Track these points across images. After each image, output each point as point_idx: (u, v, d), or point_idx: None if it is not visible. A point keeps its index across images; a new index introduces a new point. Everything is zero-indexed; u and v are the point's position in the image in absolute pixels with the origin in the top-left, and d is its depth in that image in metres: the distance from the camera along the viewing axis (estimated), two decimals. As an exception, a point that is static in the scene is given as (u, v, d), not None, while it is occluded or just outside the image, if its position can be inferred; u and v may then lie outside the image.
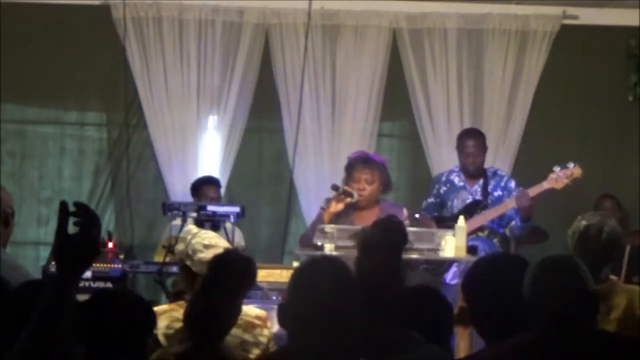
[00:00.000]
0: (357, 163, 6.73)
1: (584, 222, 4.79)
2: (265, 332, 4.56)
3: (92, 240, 2.57)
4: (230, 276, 4.09)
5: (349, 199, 6.62)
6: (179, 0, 8.19)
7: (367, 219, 6.65)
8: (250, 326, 4.54)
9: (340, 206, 6.62)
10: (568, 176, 6.92)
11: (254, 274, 4.24)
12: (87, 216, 2.57)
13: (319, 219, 6.60)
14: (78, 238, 2.55)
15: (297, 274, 3.40)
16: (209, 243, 4.64)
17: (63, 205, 2.57)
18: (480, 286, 3.49)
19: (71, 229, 2.57)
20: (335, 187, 6.70)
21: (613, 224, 4.85)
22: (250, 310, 4.63)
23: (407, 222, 6.56)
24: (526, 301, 3.28)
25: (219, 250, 4.62)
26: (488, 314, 3.39)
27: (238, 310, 4.10)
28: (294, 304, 3.28)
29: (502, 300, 3.35)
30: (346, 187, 6.66)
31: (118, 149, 8.34)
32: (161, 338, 4.48)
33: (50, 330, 2.52)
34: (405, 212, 6.74)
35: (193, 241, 4.65)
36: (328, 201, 6.71)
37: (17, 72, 8.16)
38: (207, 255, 4.57)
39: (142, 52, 8.19)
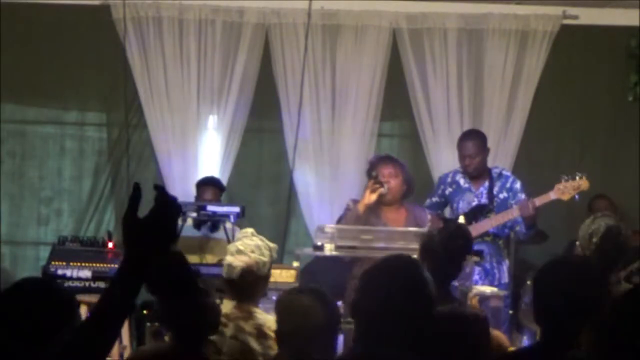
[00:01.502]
0: (379, 161, 6.81)
1: (602, 224, 4.78)
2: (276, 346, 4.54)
3: (166, 223, 2.44)
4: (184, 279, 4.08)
5: (381, 189, 6.63)
6: (179, 0, 8.19)
7: (396, 219, 6.68)
8: (262, 336, 4.54)
9: (373, 197, 6.62)
10: (575, 188, 6.93)
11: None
12: (163, 199, 2.44)
13: (354, 212, 6.59)
14: (150, 221, 2.43)
15: (376, 271, 3.31)
16: (242, 249, 4.69)
17: (136, 187, 2.46)
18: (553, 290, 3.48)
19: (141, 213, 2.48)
20: (370, 174, 6.71)
21: (624, 226, 4.88)
22: (271, 322, 4.61)
23: (430, 224, 6.58)
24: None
25: (242, 258, 4.65)
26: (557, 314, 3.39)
27: (213, 311, 4.07)
28: (366, 303, 3.20)
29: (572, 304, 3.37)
30: (379, 176, 6.69)
31: (118, 149, 8.34)
32: None
33: (119, 319, 2.39)
34: (429, 215, 6.77)
35: (236, 242, 4.74)
36: (355, 201, 6.72)
37: (17, 72, 8.17)
38: (234, 260, 4.60)
39: (142, 52, 8.19)
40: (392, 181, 6.70)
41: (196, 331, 3.97)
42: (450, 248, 4.78)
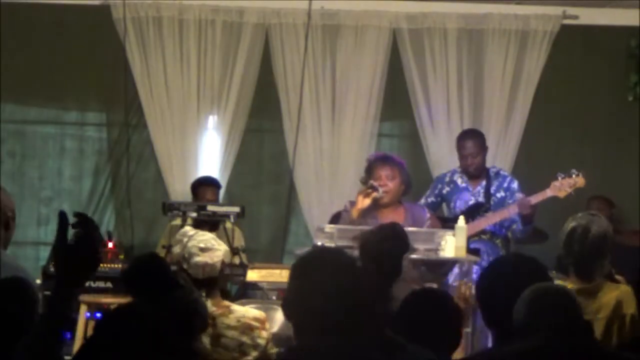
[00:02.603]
0: (377, 161, 6.73)
1: (572, 224, 4.82)
2: (264, 334, 4.55)
3: (93, 250, 2.58)
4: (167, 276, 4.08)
5: (375, 194, 6.58)
6: (179, 0, 8.19)
7: (394, 219, 6.63)
8: (248, 328, 4.53)
9: (367, 201, 6.57)
10: (571, 185, 6.94)
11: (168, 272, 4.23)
12: (87, 226, 2.57)
13: (348, 217, 6.56)
14: (78, 248, 2.57)
15: (302, 264, 3.24)
16: (205, 246, 4.62)
17: (62, 215, 2.58)
18: (496, 289, 3.51)
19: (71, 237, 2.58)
20: (363, 180, 6.67)
21: (602, 223, 4.85)
22: (248, 312, 4.62)
23: (429, 223, 6.55)
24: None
25: (216, 254, 4.61)
26: (504, 316, 3.39)
27: (200, 306, 4.07)
28: (298, 297, 3.15)
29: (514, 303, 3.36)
30: (372, 181, 6.65)
31: (118, 149, 8.34)
32: None
33: (53, 338, 2.55)
34: (428, 213, 6.74)
35: (189, 244, 4.63)
36: (352, 203, 6.68)
37: (17, 72, 8.17)
38: (203, 258, 4.56)
39: (142, 52, 8.19)
40: (389, 184, 6.64)
41: (186, 328, 3.95)
42: (384, 249, 4.82)
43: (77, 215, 2.58)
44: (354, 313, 3.05)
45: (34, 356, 2.54)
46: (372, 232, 5.03)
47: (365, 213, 6.52)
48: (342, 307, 3.05)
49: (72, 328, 2.57)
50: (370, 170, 6.71)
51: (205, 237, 4.71)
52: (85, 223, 2.57)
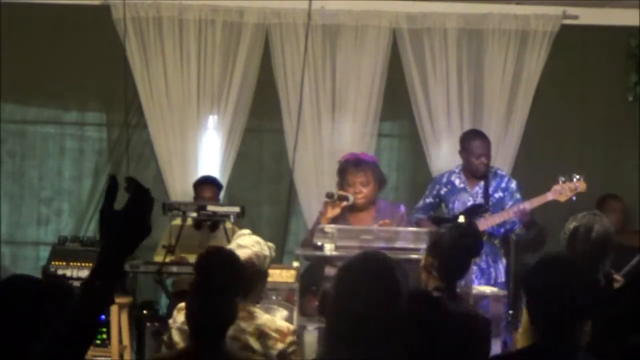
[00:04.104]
0: (349, 167, 6.74)
1: (573, 224, 4.83)
2: (279, 345, 4.52)
3: (142, 215, 2.44)
4: (214, 275, 4.09)
5: (344, 203, 6.63)
6: (179, 0, 8.19)
7: (364, 219, 6.67)
8: (263, 335, 4.52)
9: (336, 210, 6.64)
10: (572, 190, 6.94)
11: (237, 271, 4.24)
12: (138, 191, 2.44)
13: (318, 224, 6.60)
14: (127, 214, 2.44)
15: (348, 268, 3.21)
16: (242, 243, 4.73)
17: (112, 179, 2.46)
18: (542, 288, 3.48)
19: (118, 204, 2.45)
20: (329, 195, 6.71)
21: (604, 223, 4.86)
22: (272, 322, 4.59)
23: (401, 218, 6.59)
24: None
25: (247, 251, 4.68)
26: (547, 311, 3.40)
27: (231, 309, 4.07)
28: (337, 301, 3.12)
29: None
30: (340, 192, 6.68)
31: (118, 149, 8.34)
32: (175, 332, 4.52)
33: (96, 311, 2.40)
34: (403, 208, 6.76)
35: (236, 240, 4.77)
36: (326, 205, 6.71)
37: (17, 72, 8.17)
38: (239, 254, 4.63)
39: (142, 52, 8.19)
40: (364, 190, 6.67)
41: (215, 328, 3.96)
42: (459, 246, 4.77)
43: (129, 179, 2.47)
44: (390, 321, 3.01)
45: (68, 336, 2.37)
46: (449, 228, 5.00)
47: (336, 219, 6.56)
48: (380, 315, 3.01)
49: (109, 307, 2.46)
50: (342, 174, 6.73)
51: (247, 239, 4.80)
52: (137, 188, 2.44)
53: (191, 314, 4.01)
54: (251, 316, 4.56)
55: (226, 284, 4.06)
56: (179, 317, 4.50)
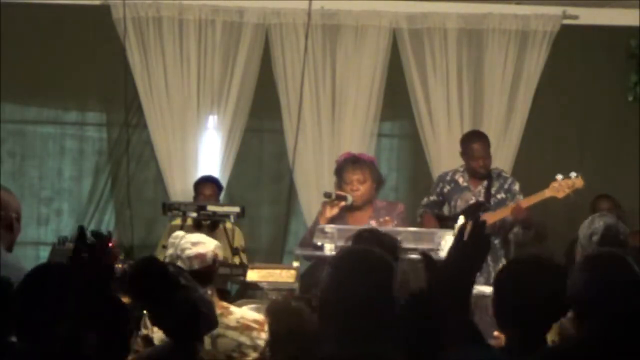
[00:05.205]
0: (347, 165, 6.75)
1: (602, 223, 4.80)
2: (263, 335, 4.55)
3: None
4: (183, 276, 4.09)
5: (343, 203, 6.63)
6: (179, 0, 8.19)
7: (361, 219, 6.67)
8: (247, 329, 4.55)
9: (335, 211, 6.64)
10: (570, 186, 6.95)
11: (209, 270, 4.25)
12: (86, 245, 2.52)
13: (316, 224, 6.60)
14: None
15: (339, 261, 3.21)
16: (196, 240, 4.76)
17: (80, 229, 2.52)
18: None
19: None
20: (327, 195, 6.72)
21: (623, 224, 4.89)
22: (247, 313, 4.65)
23: (402, 216, 6.59)
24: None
25: (206, 245, 4.70)
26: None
27: (205, 304, 4.07)
28: (330, 295, 3.12)
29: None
30: (338, 192, 6.68)
31: (118, 149, 8.33)
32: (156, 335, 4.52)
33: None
34: (401, 207, 6.76)
35: (181, 242, 4.74)
36: (324, 205, 6.71)
37: (17, 72, 8.16)
38: (195, 249, 4.64)
39: (142, 52, 8.19)
40: (361, 187, 6.67)
41: (191, 327, 3.95)
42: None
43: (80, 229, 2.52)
44: (383, 315, 3.00)
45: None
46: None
47: (334, 220, 6.55)
48: (375, 310, 3.01)
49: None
50: (340, 173, 6.73)
51: (196, 235, 4.86)
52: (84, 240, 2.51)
53: (165, 314, 3.98)
54: (228, 310, 4.60)
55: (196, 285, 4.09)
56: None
